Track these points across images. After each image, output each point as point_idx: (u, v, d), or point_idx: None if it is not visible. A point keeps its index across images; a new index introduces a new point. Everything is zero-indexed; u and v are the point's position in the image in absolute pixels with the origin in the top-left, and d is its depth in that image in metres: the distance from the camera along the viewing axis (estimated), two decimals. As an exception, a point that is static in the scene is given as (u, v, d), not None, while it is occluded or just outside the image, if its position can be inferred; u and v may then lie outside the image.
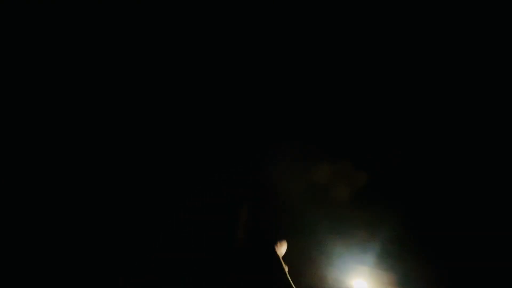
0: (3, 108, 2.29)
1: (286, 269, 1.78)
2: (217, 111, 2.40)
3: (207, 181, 2.27)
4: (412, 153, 2.23)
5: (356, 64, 2.36)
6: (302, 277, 1.89)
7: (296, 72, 2.40)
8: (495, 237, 1.95)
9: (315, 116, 2.37)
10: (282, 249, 1.85)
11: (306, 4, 2.35)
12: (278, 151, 2.30)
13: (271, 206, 2.16)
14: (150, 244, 2.11)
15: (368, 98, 2.34)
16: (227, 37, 2.40)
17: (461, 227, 2.02)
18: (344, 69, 2.37)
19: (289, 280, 1.73)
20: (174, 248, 2.09)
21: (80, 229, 2.13)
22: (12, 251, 2.06)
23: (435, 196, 2.11)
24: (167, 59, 2.41)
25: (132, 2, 2.35)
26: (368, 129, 2.32)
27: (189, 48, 2.41)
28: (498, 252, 1.93)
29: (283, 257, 1.83)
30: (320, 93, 2.39)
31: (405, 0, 2.26)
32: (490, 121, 2.20)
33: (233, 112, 2.40)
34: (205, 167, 2.31)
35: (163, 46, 2.41)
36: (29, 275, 2.00)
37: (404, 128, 2.28)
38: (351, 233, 2.01)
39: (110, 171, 2.28)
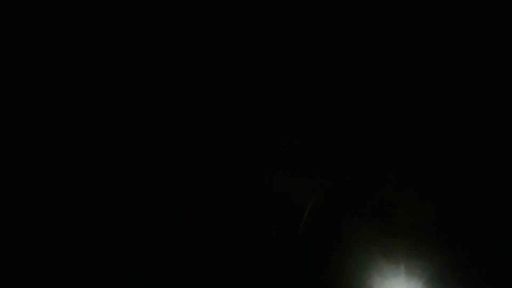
0: (3, 108, 2.29)
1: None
2: (216, 111, 2.40)
3: (207, 181, 2.27)
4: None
5: (356, 64, 2.36)
6: None
7: (296, 72, 2.40)
8: None
9: (314, 116, 2.37)
10: None
11: (305, 4, 2.35)
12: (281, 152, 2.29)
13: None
14: (150, 244, 2.11)
15: (368, 98, 2.34)
16: (226, 36, 2.40)
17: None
18: (344, 69, 2.37)
19: None
20: (174, 248, 2.09)
21: (80, 229, 2.14)
22: (12, 251, 2.06)
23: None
24: (166, 58, 2.41)
25: (132, 2, 2.35)
26: (368, 129, 2.32)
27: (188, 48, 2.41)
28: None
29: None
30: (320, 93, 2.39)
31: (405, 0, 2.26)
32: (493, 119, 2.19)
33: (233, 112, 2.40)
34: (205, 167, 2.32)
35: (162, 45, 2.41)
36: (28, 275, 2.01)
37: (404, 128, 2.28)
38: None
39: (110, 171, 2.28)
